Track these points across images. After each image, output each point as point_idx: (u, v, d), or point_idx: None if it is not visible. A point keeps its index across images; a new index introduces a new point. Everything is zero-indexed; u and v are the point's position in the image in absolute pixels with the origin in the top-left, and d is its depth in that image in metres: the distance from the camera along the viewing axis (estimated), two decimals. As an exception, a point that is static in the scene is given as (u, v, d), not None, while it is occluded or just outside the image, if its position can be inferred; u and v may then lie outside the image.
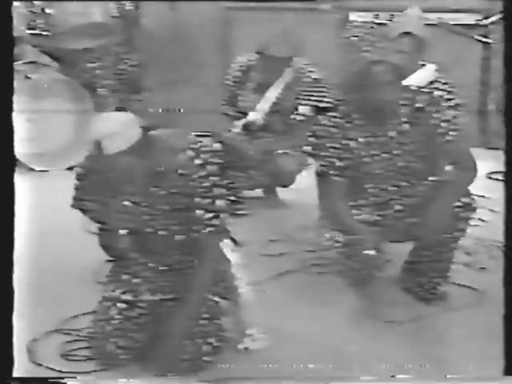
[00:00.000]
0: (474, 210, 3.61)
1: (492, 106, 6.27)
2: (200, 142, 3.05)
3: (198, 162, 3.00)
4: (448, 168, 3.69)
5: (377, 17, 6.23)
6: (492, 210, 4.55)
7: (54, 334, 3.35)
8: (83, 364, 3.14)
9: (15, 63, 2.86)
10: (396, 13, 5.21)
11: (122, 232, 3.09)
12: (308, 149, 3.76)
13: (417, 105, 3.60)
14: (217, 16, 6.55)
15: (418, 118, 3.59)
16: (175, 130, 3.15)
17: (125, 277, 3.20)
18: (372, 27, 6.17)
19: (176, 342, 3.04)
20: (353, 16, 6.35)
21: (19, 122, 2.79)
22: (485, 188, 4.75)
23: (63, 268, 4.00)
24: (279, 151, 4.97)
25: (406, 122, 3.60)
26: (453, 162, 3.65)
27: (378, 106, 3.55)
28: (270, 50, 4.90)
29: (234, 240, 3.25)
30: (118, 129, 2.88)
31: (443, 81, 4.03)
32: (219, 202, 3.02)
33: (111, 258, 3.25)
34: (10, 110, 2.68)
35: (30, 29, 5.79)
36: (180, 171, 2.98)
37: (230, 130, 4.99)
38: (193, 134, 3.10)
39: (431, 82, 4.07)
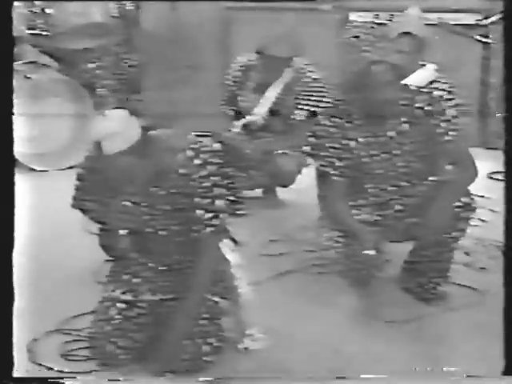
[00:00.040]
0: (473, 210, 3.61)
1: (492, 106, 6.28)
2: (200, 141, 3.05)
3: (197, 161, 3.00)
4: (448, 168, 3.69)
5: (377, 17, 6.23)
6: (492, 210, 4.55)
7: (54, 334, 3.35)
8: (83, 364, 3.14)
9: (15, 63, 2.87)
10: (396, 13, 5.21)
11: (121, 232, 3.09)
12: (308, 149, 3.76)
13: (417, 105, 3.60)
14: (217, 16, 6.55)
15: (417, 118, 3.59)
16: (175, 130, 3.15)
17: (125, 277, 3.20)
18: (372, 27, 6.17)
19: (176, 342, 3.03)
20: (353, 16, 6.36)
21: (19, 122, 2.79)
22: (485, 188, 4.76)
23: (63, 268, 4.00)
24: (279, 151, 4.97)
25: (405, 122, 3.60)
26: (453, 162, 3.66)
27: (378, 105, 3.55)
28: (269, 50, 4.90)
29: (233, 240, 3.25)
30: (117, 129, 2.88)
31: (443, 81, 4.03)
32: (219, 202, 3.02)
33: (111, 258, 3.25)
34: (10, 110, 2.68)
35: (29, 29, 5.79)
36: (180, 171, 2.98)
37: (229, 130, 4.99)
38: (193, 134, 3.10)
39: (431, 82, 4.06)
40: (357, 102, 3.60)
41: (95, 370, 3.09)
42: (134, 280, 3.18)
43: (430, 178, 3.67)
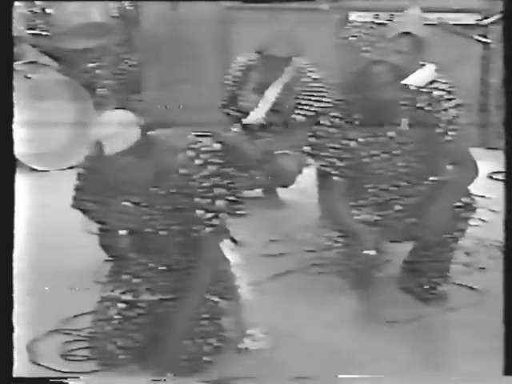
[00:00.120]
0: (474, 210, 3.62)
1: (492, 106, 6.28)
2: (200, 141, 3.05)
3: (197, 162, 3.00)
4: (448, 168, 3.69)
5: (377, 17, 6.23)
6: (492, 210, 4.55)
7: (54, 334, 3.35)
8: (83, 364, 3.13)
9: (15, 63, 2.87)
10: (396, 13, 5.21)
11: (121, 232, 3.09)
12: (308, 149, 3.76)
13: (417, 105, 3.60)
14: (217, 16, 6.55)
15: (417, 118, 3.59)
16: (175, 130, 3.15)
17: (125, 277, 3.20)
18: (372, 27, 6.17)
19: (176, 342, 3.03)
20: (352, 16, 6.36)
21: (19, 122, 2.79)
22: (485, 188, 4.75)
23: (63, 268, 4.00)
24: (279, 151, 4.97)
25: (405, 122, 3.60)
26: (453, 162, 3.66)
27: (378, 106, 3.55)
28: (269, 50, 4.90)
29: (233, 240, 3.26)
30: (118, 129, 2.88)
31: (443, 81, 4.03)
32: (219, 202, 3.02)
33: (111, 258, 3.25)
34: (10, 110, 2.67)
35: (30, 29, 5.79)
36: (180, 171, 2.98)
37: (230, 130, 4.99)
38: (193, 134, 3.10)
39: (431, 82, 4.06)
40: (357, 102, 3.60)
41: (95, 370, 3.09)
42: (134, 280, 3.18)
43: (431, 178, 3.67)
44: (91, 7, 5.83)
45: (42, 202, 4.70)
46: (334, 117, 3.66)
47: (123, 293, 3.17)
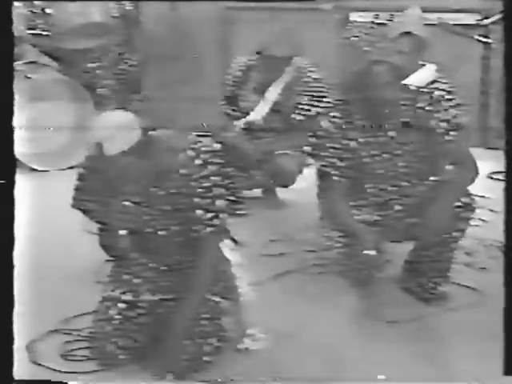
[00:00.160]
0: (474, 210, 3.61)
1: (492, 106, 6.27)
2: (200, 142, 3.05)
3: (198, 162, 3.00)
4: (448, 168, 3.68)
5: (377, 17, 6.22)
6: (492, 210, 4.55)
7: (54, 334, 3.35)
8: (83, 364, 3.13)
9: (15, 63, 2.86)
10: (396, 13, 5.20)
11: (122, 232, 3.09)
12: (308, 149, 3.76)
13: (417, 105, 3.60)
14: (217, 16, 6.55)
15: (418, 118, 3.59)
16: (175, 130, 3.15)
17: (125, 277, 3.20)
18: (372, 27, 6.17)
19: (176, 342, 3.04)
20: (353, 16, 6.35)
21: (19, 122, 2.79)
22: (485, 188, 4.75)
23: (63, 268, 4.00)
24: (279, 151, 4.97)
25: (405, 122, 3.60)
26: (453, 162, 3.65)
27: (379, 106, 3.55)
28: (270, 50, 4.89)
29: (234, 240, 3.26)
30: (117, 130, 2.88)
31: (443, 81, 4.03)
32: (219, 202, 3.02)
33: (111, 258, 3.25)
34: (10, 109, 2.67)
35: (30, 29, 5.79)
36: (180, 171, 2.98)
37: (230, 130, 4.99)
38: (193, 134, 3.10)
39: (431, 82, 4.06)
40: (357, 102, 3.60)
41: (95, 370, 3.09)
42: (135, 280, 3.18)
43: (431, 178, 3.67)
44: (91, 7, 5.82)
45: (42, 202, 4.70)
46: (334, 117, 3.66)
47: (124, 293, 3.17)
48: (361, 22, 6.27)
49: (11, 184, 2.66)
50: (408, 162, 3.63)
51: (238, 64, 5.12)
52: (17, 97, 2.71)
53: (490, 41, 6.21)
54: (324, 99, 4.81)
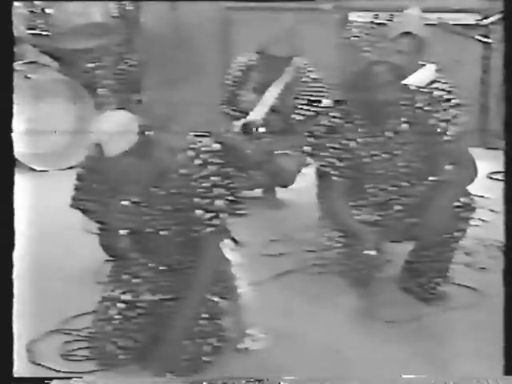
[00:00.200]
0: (473, 210, 3.61)
1: (492, 106, 6.28)
2: (200, 142, 3.05)
3: (197, 162, 3.00)
4: (448, 168, 3.68)
5: (377, 17, 6.23)
6: (492, 210, 4.55)
7: (54, 334, 3.35)
8: (83, 364, 3.14)
9: (15, 63, 2.86)
10: (396, 13, 5.21)
11: (122, 232, 3.09)
12: (308, 149, 3.76)
13: (417, 105, 3.60)
14: (217, 16, 6.55)
15: (417, 118, 3.59)
16: (175, 130, 3.15)
17: (125, 277, 3.20)
18: (372, 27, 6.17)
19: (176, 341, 3.03)
20: (353, 16, 6.36)
21: (19, 122, 2.79)
22: (485, 188, 4.76)
23: (63, 268, 4.00)
24: (279, 151, 4.97)
25: (405, 122, 3.60)
26: (453, 161, 3.65)
27: (378, 106, 3.55)
28: (270, 50, 4.90)
29: (234, 240, 3.26)
30: (117, 130, 2.88)
31: (443, 81, 4.04)
32: (219, 202, 3.02)
33: (111, 258, 3.25)
34: (10, 110, 2.67)
35: (30, 29, 5.79)
36: (180, 171, 2.98)
37: (229, 130, 4.99)
38: (192, 134, 3.10)
39: (431, 82, 4.07)
40: (357, 102, 3.60)
41: (95, 370, 3.09)
42: (134, 280, 3.18)
43: (430, 178, 3.67)
44: (91, 7, 5.82)
45: (41, 202, 4.70)
46: (333, 117, 3.66)
47: (123, 293, 3.17)
48: (361, 21, 6.28)
49: (11, 184, 2.65)
50: (408, 161, 3.63)
51: (237, 64, 5.12)
52: (17, 97, 2.71)
53: (489, 41, 6.21)
54: (324, 99, 4.81)
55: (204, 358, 3.09)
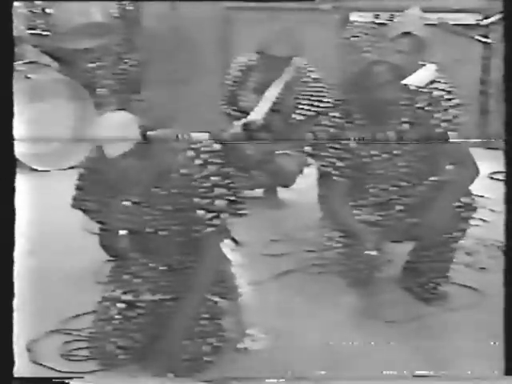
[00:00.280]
0: (474, 209, 3.61)
1: (492, 106, 6.27)
2: (200, 142, 3.05)
3: (198, 162, 3.00)
4: (449, 168, 3.69)
5: (377, 17, 6.23)
6: (492, 210, 4.55)
7: (54, 334, 3.35)
8: (83, 364, 3.13)
9: (15, 63, 2.86)
10: (396, 13, 5.21)
11: (122, 232, 3.09)
12: (308, 149, 3.76)
13: (417, 105, 3.60)
14: (217, 16, 6.55)
15: (417, 118, 3.59)
16: (175, 130, 3.15)
17: (125, 277, 3.20)
18: (372, 27, 6.17)
19: (176, 342, 3.03)
20: (353, 16, 6.35)
21: (19, 122, 2.79)
22: (485, 188, 4.75)
23: (63, 268, 4.00)
24: (280, 151, 4.97)
25: (405, 122, 3.60)
26: (453, 162, 3.66)
27: (379, 106, 3.55)
28: (270, 50, 4.89)
29: (234, 240, 3.26)
30: (118, 131, 2.88)
31: (443, 81, 4.03)
32: (220, 202, 3.02)
33: (111, 258, 3.25)
34: (10, 109, 2.67)
35: (30, 29, 5.78)
36: (181, 171, 2.98)
37: (229, 130, 4.99)
38: (192, 134, 3.10)
39: (431, 82, 4.06)
40: (357, 102, 3.60)
41: (95, 370, 3.09)
42: (135, 280, 3.18)
43: (431, 178, 3.67)
44: (92, 7, 5.82)
45: (42, 202, 4.70)
46: (334, 117, 3.66)
47: (124, 293, 3.17)
48: (361, 21, 6.27)
49: (11, 184, 2.66)
50: (408, 162, 3.63)
51: (238, 64, 5.11)
52: (17, 97, 2.71)
53: (489, 41, 6.21)
54: (324, 99, 4.82)
55: (204, 358, 3.08)
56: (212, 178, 3.00)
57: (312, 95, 4.92)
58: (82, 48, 5.79)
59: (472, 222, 3.67)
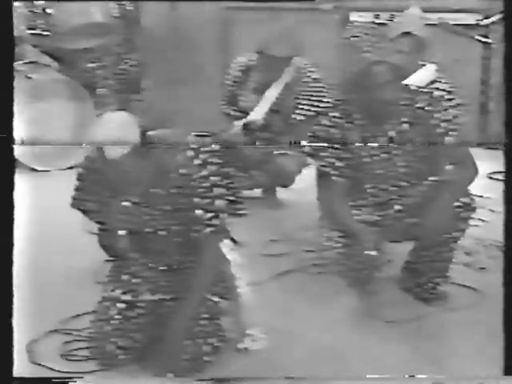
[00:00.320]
0: (473, 209, 3.62)
1: (492, 106, 6.27)
2: (200, 142, 3.05)
3: (197, 162, 3.00)
4: (448, 168, 3.69)
5: (377, 17, 6.23)
6: (492, 210, 4.55)
7: (54, 334, 3.35)
8: (83, 364, 3.14)
9: (16, 63, 2.86)
10: (396, 13, 5.21)
11: (121, 232, 3.09)
12: (308, 149, 3.76)
13: (417, 105, 3.60)
14: (217, 16, 6.55)
15: (418, 118, 3.59)
16: (175, 130, 3.15)
17: (125, 277, 3.20)
18: (372, 27, 6.17)
19: (176, 342, 3.03)
20: (353, 16, 6.35)
21: (19, 122, 2.79)
22: (485, 188, 4.75)
23: (63, 268, 4.00)
24: (279, 151, 4.97)
25: (405, 122, 3.60)
26: (452, 162, 3.66)
27: (379, 106, 3.55)
28: (269, 50, 4.90)
29: (233, 240, 3.26)
30: (117, 132, 2.88)
31: (443, 81, 4.03)
32: (219, 202, 3.02)
33: (111, 258, 3.25)
34: (10, 109, 2.67)
35: (30, 29, 5.79)
36: (180, 171, 2.98)
37: (229, 130, 4.99)
38: (192, 134, 3.10)
39: (431, 82, 4.06)
40: (357, 102, 3.60)
41: (95, 370, 3.09)
42: (134, 280, 3.18)
43: (430, 178, 3.67)
44: (92, 7, 5.82)
45: (41, 202, 4.70)
46: (334, 117, 3.66)
47: (124, 293, 3.17)
48: (361, 21, 6.28)
49: (11, 184, 2.66)
50: (408, 162, 3.63)
51: (237, 64, 5.12)
52: (17, 97, 2.71)
53: (489, 41, 6.21)
54: (324, 99, 4.82)
55: (204, 358, 3.08)
56: (211, 177, 3.00)
57: (312, 95, 4.92)
58: (82, 48, 5.80)
59: (471, 221, 3.66)
